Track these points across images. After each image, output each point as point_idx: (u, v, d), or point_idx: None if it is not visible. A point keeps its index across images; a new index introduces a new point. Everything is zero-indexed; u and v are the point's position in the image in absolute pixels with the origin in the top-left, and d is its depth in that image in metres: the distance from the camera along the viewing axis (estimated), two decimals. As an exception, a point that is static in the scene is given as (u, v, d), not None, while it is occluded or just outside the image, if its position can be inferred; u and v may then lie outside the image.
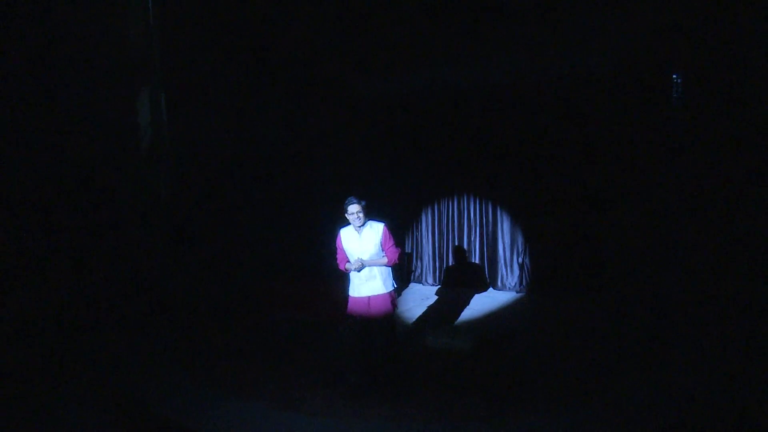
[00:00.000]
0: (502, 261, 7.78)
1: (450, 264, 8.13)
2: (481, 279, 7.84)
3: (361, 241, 4.17)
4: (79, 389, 4.13)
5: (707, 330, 5.10)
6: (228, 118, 6.71)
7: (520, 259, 7.66)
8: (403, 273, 8.08)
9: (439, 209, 8.21)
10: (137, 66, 5.58)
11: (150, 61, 5.66)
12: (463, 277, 7.98)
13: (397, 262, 4.23)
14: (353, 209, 4.07)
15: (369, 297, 4.16)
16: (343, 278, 4.46)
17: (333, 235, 4.35)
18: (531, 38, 6.28)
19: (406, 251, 8.40)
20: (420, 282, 8.24)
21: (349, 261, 4.22)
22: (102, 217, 5.25)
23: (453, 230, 8.10)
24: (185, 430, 3.63)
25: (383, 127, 8.14)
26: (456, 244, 8.09)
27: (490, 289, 7.75)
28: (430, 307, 6.90)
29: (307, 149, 7.86)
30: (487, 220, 7.88)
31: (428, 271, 8.25)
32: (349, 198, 4.12)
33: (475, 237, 7.98)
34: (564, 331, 5.80)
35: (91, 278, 5.08)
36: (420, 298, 7.41)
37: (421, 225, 8.30)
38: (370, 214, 4.23)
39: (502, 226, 7.77)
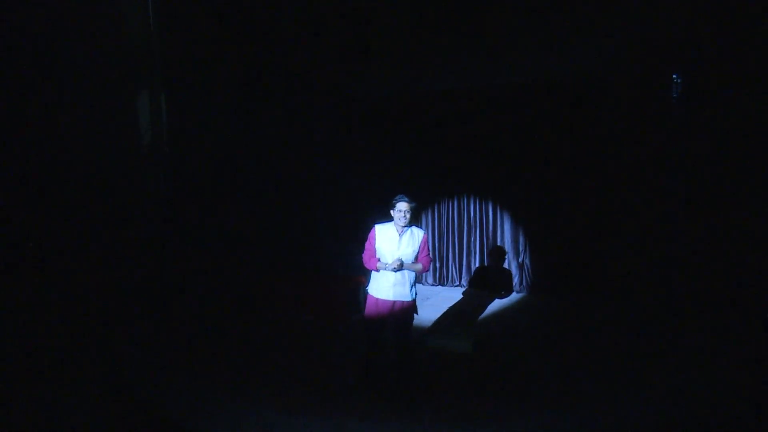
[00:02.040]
0: (502, 261, 7.78)
1: (450, 264, 8.12)
2: (481, 279, 7.84)
3: (400, 243, 4.02)
4: (79, 389, 4.13)
5: (708, 330, 5.10)
6: (228, 117, 6.71)
7: (520, 259, 7.66)
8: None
9: (439, 209, 8.21)
10: (137, 66, 5.58)
11: (150, 61, 5.66)
12: (463, 278, 7.99)
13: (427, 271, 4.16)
14: (402, 207, 3.92)
15: (394, 301, 4.04)
16: (347, 279, 4.40)
17: (333, 236, 4.33)
18: (531, 39, 6.28)
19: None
20: (420, 282, 8.24)
21: (378, 259, 4.05)
22: (101, 217, 5.24)
23: (453, 230, 8.10)
24: (184, 430, 3.63)
25: (383, 127, 8.14)
26: (456, 244, 8.09)
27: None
28: (430, 308, 6.89)
29: (307, 149, 7.86)
30: (487, 220, 7.88)
31: (428, 271, 8.25)
32: (401, 195, 3.97)
33: (475, 237, 7.98)
34: (564, 331, 5.79)
35: (90, 278, 5.07)
36: (420, 298, 7.34)
37: (420, 225, 8.30)
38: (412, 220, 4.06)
39: (502, 226, 7.78)
